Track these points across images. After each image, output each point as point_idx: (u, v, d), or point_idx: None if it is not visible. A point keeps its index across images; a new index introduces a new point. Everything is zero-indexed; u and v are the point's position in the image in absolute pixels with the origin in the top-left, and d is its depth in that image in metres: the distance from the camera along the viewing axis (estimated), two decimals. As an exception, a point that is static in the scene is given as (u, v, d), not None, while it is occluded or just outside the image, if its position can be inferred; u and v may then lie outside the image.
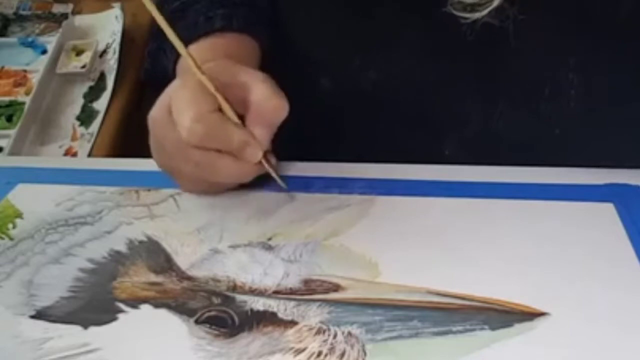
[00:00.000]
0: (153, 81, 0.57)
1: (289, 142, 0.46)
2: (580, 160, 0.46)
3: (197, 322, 0.37)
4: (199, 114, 0.40)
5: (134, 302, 0.39)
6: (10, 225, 0.45)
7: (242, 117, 0.43)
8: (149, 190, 0.47)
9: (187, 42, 0.49)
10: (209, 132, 0.41)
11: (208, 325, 0.37)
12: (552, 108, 0.46)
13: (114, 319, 0.38)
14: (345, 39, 0.50)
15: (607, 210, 0.43)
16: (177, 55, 0.50)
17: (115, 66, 0.77)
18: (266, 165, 0.44)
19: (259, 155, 0.42)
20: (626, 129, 0.47)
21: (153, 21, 0.41)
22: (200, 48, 0.49)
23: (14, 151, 0.68)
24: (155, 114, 0.44)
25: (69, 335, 0.37)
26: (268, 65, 0.51)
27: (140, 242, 0.43)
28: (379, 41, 0.48)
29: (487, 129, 0.49)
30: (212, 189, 0.46)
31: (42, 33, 0.85)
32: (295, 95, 0.43)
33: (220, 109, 0.42)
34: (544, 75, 0.45)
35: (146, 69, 0.58)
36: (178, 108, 0.41)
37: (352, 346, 0.35)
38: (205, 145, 0.41)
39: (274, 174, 0.45)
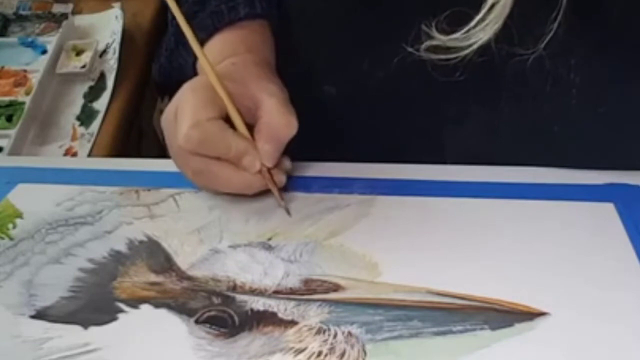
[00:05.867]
0: (167, 78, 0.56)
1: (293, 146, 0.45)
2: (580, 158, 0.46)
3: (197, 322, 0.37)
4: (196, 121, 0.40)
5: (134, 302, 0.39)
6: (10, 225, 0.45)
7: (250, 128, 0.43)
8: (149, 190, 0.47)
9: (210, 33, 0.48)
10: (205, 140, 0.41)
11: (208, 325, 0.37)
12: (553, 106, 0.46)
13: (114, 319, 0.38)
14: (351, 40, 0.49)
15: (607, 210, 0.43)
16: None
17: (115, 66, 0.77)
18: (267, 180, 0.43)
19: (257, 164, 0.42)
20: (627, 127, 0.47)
21: (172, 17, 0.40)
22: (222, 41, 0.49)
23: (14, 151, 0.67)
24: (165, 115, 0.44)
25: (69, 335, 0.37)
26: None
27: (140, 242, 0.43)
28: (387, 36, 0.48)
29: (487, 126, 0.48)
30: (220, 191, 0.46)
31: (42, 33, 0.84)
32: (299, 102, 0.43)
33: (225, 117, 0.42)
34: (545, 74, 0.45)
35: (161, 65, 0.57)
36: (180, 113, 0.41)
37: (352, 346, 0.35)
38: (201, 152, 0.41)
39: (275, 192, 0.44)
